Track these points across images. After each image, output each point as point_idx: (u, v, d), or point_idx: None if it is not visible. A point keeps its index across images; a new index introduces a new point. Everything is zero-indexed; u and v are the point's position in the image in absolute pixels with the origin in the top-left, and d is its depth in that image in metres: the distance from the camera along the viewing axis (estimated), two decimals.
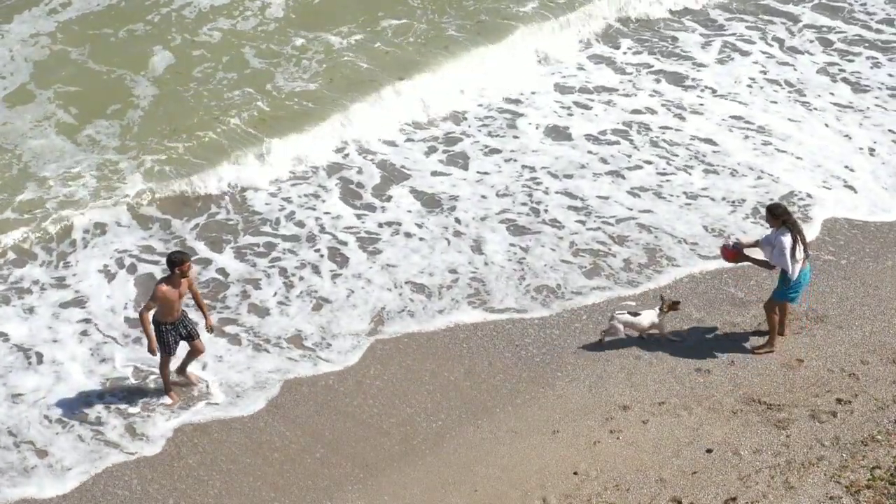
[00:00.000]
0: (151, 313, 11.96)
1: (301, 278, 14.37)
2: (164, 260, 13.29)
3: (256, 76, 18.01)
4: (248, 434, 12.12)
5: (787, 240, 12.14)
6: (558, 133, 17.29)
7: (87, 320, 13.65)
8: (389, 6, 19.79)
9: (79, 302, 13.94)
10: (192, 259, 12.75)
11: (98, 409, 12.43)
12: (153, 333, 11.97)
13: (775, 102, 17.93)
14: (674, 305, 12.98)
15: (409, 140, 17.10)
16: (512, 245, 14.92)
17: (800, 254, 12.24)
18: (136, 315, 13.12)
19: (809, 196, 15.59)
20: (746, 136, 17.07)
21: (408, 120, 17.43)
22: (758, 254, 12.59)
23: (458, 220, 15.40)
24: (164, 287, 11.87)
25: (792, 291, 12.48)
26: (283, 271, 14.49)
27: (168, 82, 17.75)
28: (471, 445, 11.82)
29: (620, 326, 12.93)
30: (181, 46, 18.53)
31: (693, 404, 12.13)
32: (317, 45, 18.70)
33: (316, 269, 14.52)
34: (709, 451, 11.52)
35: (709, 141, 16.99)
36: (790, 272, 12.26)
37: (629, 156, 16.71)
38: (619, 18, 20.07)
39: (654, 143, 17.00)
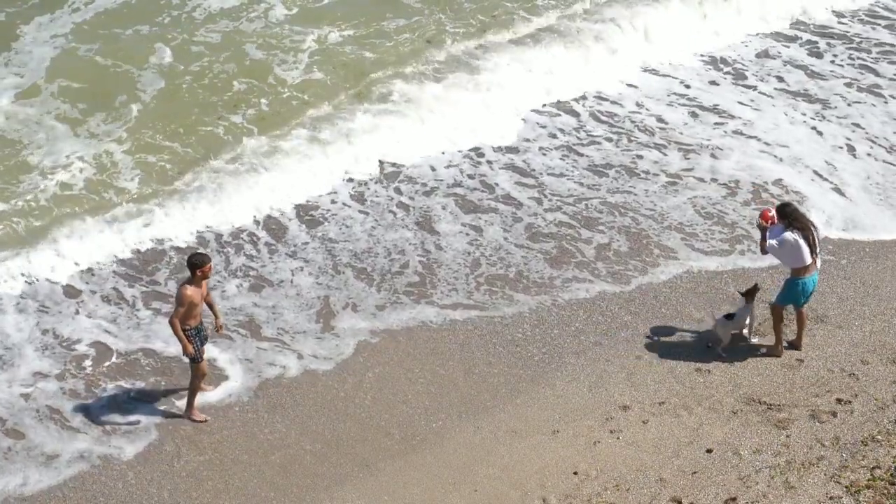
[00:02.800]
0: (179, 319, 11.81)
1: (238, 248, 14.28)
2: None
3: (255, 73, 18.02)
4: (247, 433, 12.10)
5: (787, 235, 12.14)
6: (491, 103, 17.33)
7: (28, 283, 13.77)
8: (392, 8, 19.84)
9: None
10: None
11: (64, 392, 12.48)
12: (184, 337, 11.81)
13: (716, 83, 17.86)
14: (755, 290, 12.83)
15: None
16: (464, 225, 14.85)
17: (808, 257, 12.20)
18: (69, 286, 13.20)
19: (796, 188, 15.56)
20: (696, 115, 16.99)
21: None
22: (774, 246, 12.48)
23: (399, 191, 15.40)
24: (189, 290, 11.68)
25: (792, 296, 12.46)
26: (218, 237, 14.48)
27: (171, 78, 17.81)
28: (471, 445, 11.81)
29: (728, 333, 12.82)
30: (184, 45, 18.54)
31: (693, 404, 12.13)
32: (310, 42, 18.75)
33: (253, 241, 14.48)
34: (709, 451, 11.52)
35: (658, 118, 16.92)
36: (767, 249, 12.22)
37: (578, 129, 16.58)
38: None
39: (597, 117, 16.92)
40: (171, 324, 11.75)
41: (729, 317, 12.81)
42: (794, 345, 12.81)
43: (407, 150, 16.53)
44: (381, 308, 13.73)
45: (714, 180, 15.88)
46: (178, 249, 14.53)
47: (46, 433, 12.03)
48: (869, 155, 16.50)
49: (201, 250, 14.07)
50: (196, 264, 11.69)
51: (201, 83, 17.71)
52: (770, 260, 14.12)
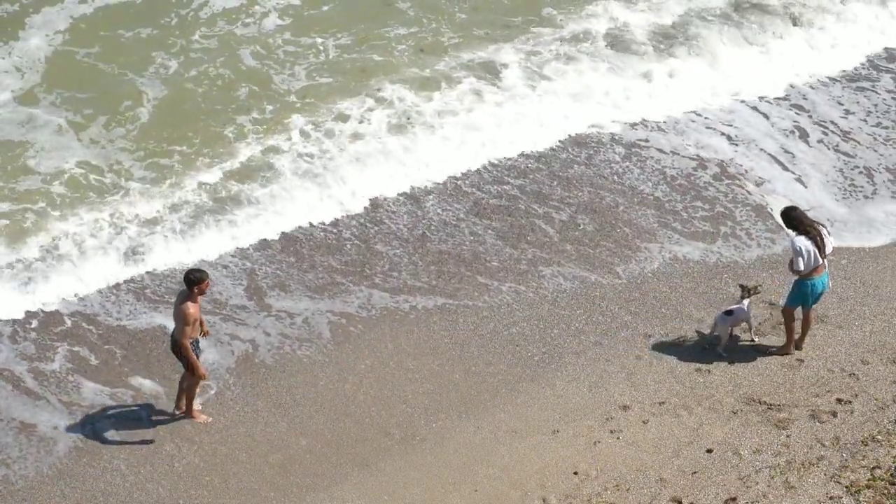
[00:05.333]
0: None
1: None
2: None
3: (254, 78, 17.97)
4: (246, 432, 12.10)
5: (797, 240, 12.15)
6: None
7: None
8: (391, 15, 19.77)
9: None
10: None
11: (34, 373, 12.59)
12: (195, 359, 11.78)
13: (637, 54, 17.77)
14: (755, 289, 12.82)
15: None
16: (401, 195, 14.74)
17: (813, 260, 12.18)
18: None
19: (759, 174, 15.50)
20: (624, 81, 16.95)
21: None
22: None
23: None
24: (192, 308, 11.68)
25: (800, 297, 12.44)
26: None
27: (172, 84, 17.79)
28: (471, 445, 11.80)
29: (728, 328, 12.79)
30: (183, 50, 18.52)
31: (693, 404, 12.13)
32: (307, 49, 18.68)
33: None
34: (709, 451, 11.52)
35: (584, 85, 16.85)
36: (796, 267, 12.25)
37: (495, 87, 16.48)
38: None
39: (515, 82, 16.90)
40: (183, 346, 11.69)
41: (728, 313, 12.81)
42: (797, 345, 12.81)
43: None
44: (319, 290, 13.68)
45: (675, 152, 15.59)
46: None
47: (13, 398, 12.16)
48: (820, 142, 16.36)
49: (198, 266, 13.94)
50: (194, 281, 11.66)
51: (202, 89, 17.70)
52: (760, 251, 14.12)
